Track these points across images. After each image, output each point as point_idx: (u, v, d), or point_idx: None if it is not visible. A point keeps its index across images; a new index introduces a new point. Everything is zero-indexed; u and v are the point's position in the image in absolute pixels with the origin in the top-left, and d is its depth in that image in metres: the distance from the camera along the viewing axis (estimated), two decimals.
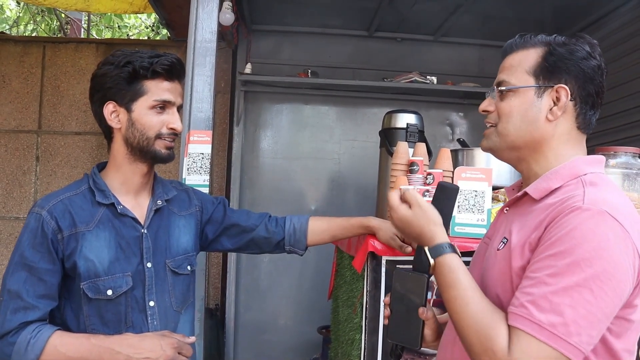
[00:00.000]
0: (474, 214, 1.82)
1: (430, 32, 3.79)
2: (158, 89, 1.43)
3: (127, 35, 6.95)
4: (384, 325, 1.38)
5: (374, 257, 1.79)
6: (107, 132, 1.49)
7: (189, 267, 1.57)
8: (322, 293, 2.92)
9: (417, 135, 2.54)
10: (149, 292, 1.46)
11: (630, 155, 1.85)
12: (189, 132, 2.13)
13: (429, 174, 1.94)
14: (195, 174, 2.10)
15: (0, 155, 3.97)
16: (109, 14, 5.79)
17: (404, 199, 1.21)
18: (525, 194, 1.14)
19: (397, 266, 1.38)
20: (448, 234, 1.53)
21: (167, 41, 4.34)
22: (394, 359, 1.38)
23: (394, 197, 1.23)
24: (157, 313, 1.47)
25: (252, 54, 3.79)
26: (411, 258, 1.72)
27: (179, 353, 1.37)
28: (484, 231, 1.67)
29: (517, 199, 1.18)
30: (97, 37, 6.32)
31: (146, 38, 6.73)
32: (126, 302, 1.43)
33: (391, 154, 2.27)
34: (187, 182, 2.04)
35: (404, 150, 2.10)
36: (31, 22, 6.29)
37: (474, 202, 1.82)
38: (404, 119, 2.60)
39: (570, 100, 1.12)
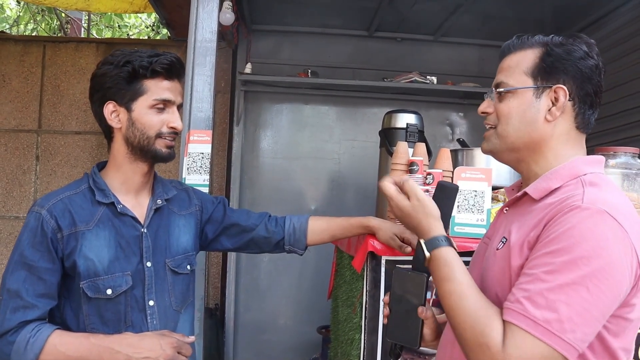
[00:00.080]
0: (473, 214, 1.82)
1: (430, 32, 3.79)
2: (158, 88, 1.43)
3: (127, 34, 6.95)
4: (383, 324, 1.38)
5: (374, 257, 1.79)
6: (107, 132, 1.49)
7: (188, 267, 1.57)
8: (321, 293, 2.92)
9: (417, 135, 2.54)
10: (149, 292, 1.46)
11: (629, 155, 1.85)
12: (189, 132, 2.13)
13: (429, 173, 1.94)
14: (195, 173, 2.10)
15: (0, 155, 3.97)
16: (109, 13, 5.80)
17: (403, 190, 1.22)
18: (525, 194, 1.14)
19: (397, 265, 1.38)
20: (448, 234, 1.54)
21: (167, 41, 4.34)
22: (392, 358, 1.38)
23: (391, 187, 1.24)
24: (156, 312, 1.47)
25: (252, 54, 3.79)
26: (411, 258, 1.72)
27: (178, 352, 1.37)
28: (483, 231, 1.67)
29: (516, 199, 1.18)
30: (98, 37, 6.33)
31: (146, 38, 6.73)
32: (126, 301, 1.43)
33: (391, 153, 2.28)
34: (187, 182, 2.04)
35: (403, 150, 2.10)
36: (31, 21, 6.30)
37: (474, 202, 1.82)
38: (404, 119, 2.61)
39: (569, 100, 1.12)
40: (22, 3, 6.19)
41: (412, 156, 2.07)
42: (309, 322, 3.58)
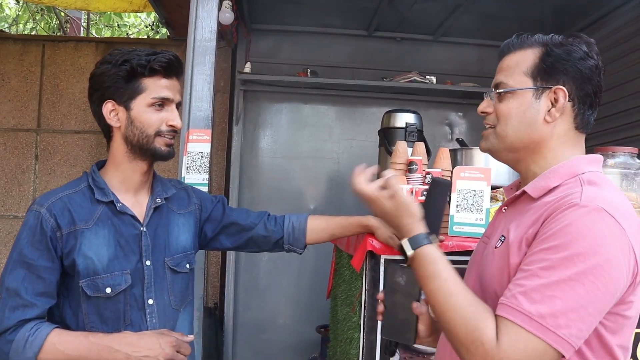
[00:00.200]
0: (472, 214, 1.82)
1: (430, 31, 3.79)
2: (156, 87, 1.43)
3: (127, 34, 6.95)
4: (370, 319, 1.38)
5: (373, 256, 1.79)
6: (107, 131, 1.49)
7: (187, 266, 1.57)
8: (320, 292, 2.92)
9: (416, 134, 2.55)
10: (148, 290, 1.46)
11: (628, 155, 1.85)
12: (188, 131, 2.13)
13: (428, 173, 1.94)
14: (195, 172, 2.10)
15: None
16: (109, 12, 5.80)
17: (386, 187, 1.23)
18: (524, 192, 1.15)
19: (391, 261, 1.38)
20: (442, 230, 1.54)
21: (166, 40, 4.34)
22: (387, 356, 1.38)
23: (370, 188, 1.25)
24: (155, 311, 1.47)
25: (252, 53, 3.79)
26: None
27: (177, 351, 1.37)
28: (482, 230, 1.67)
29: (515, 197, 1.18)
30: (97, 36, 6.32)
31: (146, 37, 6.73)
32: (125, 300, 1.43)
33: (390, 153, 2.28)
34: (186, 181, 2.04)
35: (403, 150, 2.10)
36: (30, 20, 6.29)
37: (473, 202, 1.82)
38: (403, 119, 2.61)
39: (568, 101, 1.12)
40: (21, 2, 6.18)
41: (411, 156, 2.08)
42: (308, 321, 3.58)
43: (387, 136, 2.61)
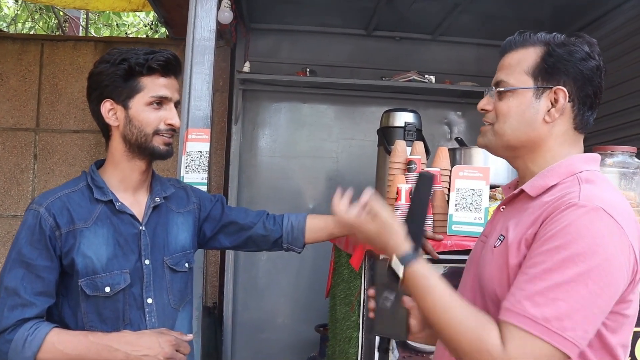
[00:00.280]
0: (471, 213, 1.82)
1: (429, 31, 3.80)
2: (154, 85, 1.43)
3: (126, 33, 6.94)
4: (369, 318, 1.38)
5: (372, 255, 1.79)
6: (105, 130, 1.49)
7: (186, 265, 1.57)
8: (319, 291, 2.92)
9: (415, 134, 2.55)
10: (147, 290, 1.46)
11: (627, 154, 1.85)
12: (187, 130, 2.13)
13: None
14: (194, 172, 2.10)
15: None
16: (108, 12, 5.79)
17: (368, 210, 1.22)
18: (522, 191, 1.15)
19: (380, 256, 1.38)
20: (441, 229, 1.54)
21: (165, 39, 4.34)
22: (381, 353, 1.38)
23: (350, 214, 1.27)
24: (155, 310, 1.47)
25: (251, 53, 3.79)
26: None
27: (176, 350, 1.37)
28: (481, 230, 1.67)
29: (513, 196, 1.19)
30: (96, 35, 6.32)
31: (145, 36, 6.72)
32: (124, 299, 1.43)
33: (389, 152, 2.28)
34: (185, 180, 2.04)
35: (401, 149, 2.11)
36: (29, 19, 6.28)
37: (472, 201, 1.83)
38: (402, 118, 2.61)
39: (568, 101, 1.12)
40: (19, 1, 6.18)
41: (410, 155, 2.08)
42: (307, 320, 3.58)
43: (386, 135, 2.61)
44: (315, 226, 1.77)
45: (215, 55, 2.22)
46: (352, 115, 3.93)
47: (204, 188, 2.01)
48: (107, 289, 1.40)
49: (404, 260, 1.12)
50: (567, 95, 1.11)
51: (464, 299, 1.21)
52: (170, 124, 1.46)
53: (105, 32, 6.70)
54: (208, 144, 2.12)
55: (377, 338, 1.77)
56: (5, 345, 1.33)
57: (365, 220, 1.22)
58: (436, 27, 3.70)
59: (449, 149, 2.14)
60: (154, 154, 1.46)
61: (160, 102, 1.44)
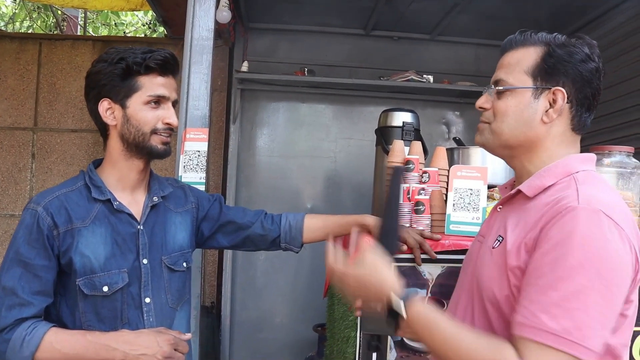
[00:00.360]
0: (469, 212, 1.82)
1: (427, 31, 3.80)
2: (152, 84, 1.43)
3: (124, 32, 6.93)
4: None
5: None
6: (103, 129, 1.49)
7: (184, 264, 1.57)
8: (317, 291, 2.92)
9: (413, 133, 2.55)
10: (145, 289, 1.46)
11: (624, 154, 1.85)
12: (185, 130, 2.13)
13: (425, 172, 1.95)
14: (192, 171, 2.10)
15: None
16: (106, 11, 5.78)
17: (355, 253, 1.19)
18: (519, 191, 1.15)
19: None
20: (438, 229, 1.54)
21: (163, 39, 4.34)
22: (371, 351, 1.38)
23: (337, 263, 1.20)
24: (152, 310, 1.47)
25: (249, 52, 3.79)
26: (406, 256, 1.73)
27: (175, 349, 1.37)
28: (479, 229, 1.68)
29: (510, 196, 1.19)
30: (94, 35, 6.31)
31: (143, 36, 6.72)
32: (122, 298, 1.43)
33: (387, 152, 2.28)
34: (183, 180, 2.04)
35: (399, 149, 2.11)
36: (27, 18, 6.28)
37: (469, 201, 1.83)
38: (400, 118, 2.62)
39: (567, 102, 1.12)
40: (17, 0, 6.17)
41: (408, 155, 2.08)
42: (305, 320, 3.58)
43: (384, 135, 2.61)
44: (313, 226, 1.77)
45: (214, 55, 2.22)
46: (351, 115, 3.93)
47: (202, 187, 2.01)
48: (105, 289, 1.40)
49: (405, 297, 1.10)
50: (566, 96, 1.12)
51: (461, 299, 1.21)
52: (168, 123, 1.46)
53: (104, 32, 6.69)
54: (206, 143, 2.12)
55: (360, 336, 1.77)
56: (3, 344, 1.33)
57: (352, 268, 1.18)
58: (435, 27, 3.70)
59: (447, 149, 2.14)
60: (151, 153, 1.46)
61: (158, 101, 1.44)
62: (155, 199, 1.53)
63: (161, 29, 5.79)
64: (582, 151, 1.19)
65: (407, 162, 2.01)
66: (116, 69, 1.41)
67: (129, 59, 1.41)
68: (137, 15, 6.92)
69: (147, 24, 6.73)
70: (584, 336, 0.92)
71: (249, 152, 3.86)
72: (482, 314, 1.13)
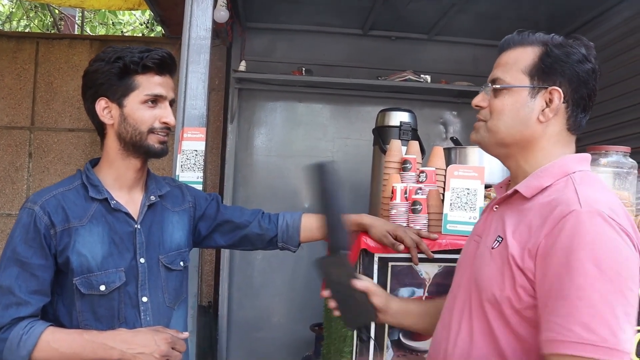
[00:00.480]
0: (466, 212, 1.83)
1: (425, 30, 3.80)
2: (149, 84, 1.43)
3: (122, 32, 6.92)
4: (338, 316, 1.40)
5: (367, 254, 1.79)
6: (100, 128, 1.49)
7: (182, 263, 1.57)
8: (314, 290, 2.91)
9: (410, 133, 2.55)
10: (142, 288, 1.46)
11: (621, 154, 1.86)
12: (182, 129, 2.13)
13: (422, 172, 1.95)
14: (189, 171, 2.10)
15: None
16: (103, 10, 5.78)
17: None
18: (516, 191, 1.15)
19: (317, 258, 1.39)
20: (435, 228, 1.53)
21: (161, 38, 4.34)
22: (359, 341, 1.39)
23: None
24: (150, 309, 1.47)
25: (247, 52, 3.78)
26: (403, 255, 1.73)
27: (172, 348, 1.37)
28: None
29: (507, 196, 1.19)
30: (91, 34, 6.30)
31: (140, 35, 6.71)
32: (119, 297, 1.43)
33: (384, 152, 2.28)
34: (180, 179, 2.04)
35: (397, 148, 2.11)
36: (24, 17, 6.26)
37: (466, 200, 1.83)
38: (398, 117, 2.62)
39: (563, 102, 1.13)
40: None
41: (405, 154, 2.08)
42: (302, 319, 3.58)
43: (382, 135, 2.61)
44: (311, 225, 1.77)
45: (211, 54, 2.22)
46: (348, 114, 3.93)
47: (199, 187, 2.01)
48: (102, 288, 1.40)
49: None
50: (562, 96, 1.12)
51: (458, 298, 1.21)
52: (165, 122, 1.46)
53: (101, 31, 6.68)
54: (204, 142, 2.12)
55: (372, 337, 1.77)
56: (0, 344, 1.33)
57: None
58: (432, 27, 3.70)
59: (444, 149, 2.14)
60: (148, 152, 1.46)
61: (155, 100, 1.44)
62: (153, 198, 1.53)
63: (159, 28, 5.78)
64: (578, 151, 1.19)
65: (405, 161, 2.02)
66: (113, 68, 1.41)
67: (126, 58, 1.41)
68: (134, 15, 6.91)
69: (144, 23, 6.72)
70: (619, 340, 0.92)
71: (247, 151, 3.86)
72: (480, 314, 1.12)
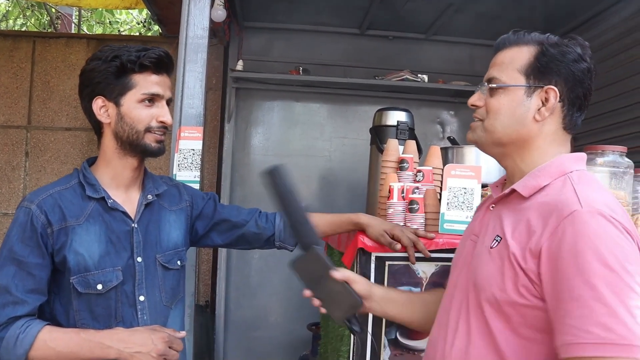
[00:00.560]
0: (463, 211, 1.83)
1: (422, 30, 3.80)
2: (146, 83, 1.43)
3: (119, 31, 6.91)
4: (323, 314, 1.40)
5: (364, 253, 1.79)
6: (97, 127, 1.49)
7: (179, 262, 1.57)
8: None
9: (407, 132, 2.56)
10: (139, 287, 1.46)
11: (617, 154, 1.86)
12: (179, 128, 2.12)
13: (419, 171, 1.95)
14: (186, 170, 2.10)
15: None
16: (100, 9, 5.76)
17: None
18: (513, 191, 1.15)
19: (290, 260, 1.41)
20: (433, 227, 1.54)
21: (158, 37, 4.33)
22: (352, 334, 1.40)
23: None
24: (147, 308, 1.47)
25: (244, 51, 3.78)
26: (400, 254, 1.73)
27: (169, 347, 1.36)
28: None
29: (504, 195, 1.19)
30: (88, 33, 6.28)
31: (137, 34, 6.70)
32: (116, 296, 1.42)
33: (381, 151, 2.29)
34: (177, 178, 2.04)
35: (394, 148, 2.12)
36: (21, 16, 6.25)
37: (463, 200, 1.84)
38: (395, 117, 2.62)
39: (559, 101, 1.13)
40: None
41: (402, 154, 2.09)
42: (299, 319, 3.58)
43: (379, 134, 2.61)
44: None
45: (209, 54, 2.22)
46: (345, 114, 3.93)
47: (196, 186, 2.01)
48: (99, 287, 1.40)
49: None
50: (558, 95, 1.13)
51: (454, 298, 1.21)
52: (162, 122, 1.45)
53: (98, 30, 6.67)
54: (201, 142, 2.12)
55: (369, 336, 1.77)
56: None
57: None
58: (429, 27, 3.71)
59: (441, 148, 2.15)
60: (145, 151, 1.45)
61: (152, 99, 1.44)
62: (150, 197, 1.53)
63: (156, 27, 5.77)
64: (576, 151, 1.20)
65: (402, 161, 2.02)
66: (110, 66, 1.41)
67: (123, 56, 1.41)
68: (131, 14, 6.90)
69: (141, 22, 6.71)
70: (637, 336, 0.92)
71: (244, 151, 3.86)
72: (478, 314, 1.12)
